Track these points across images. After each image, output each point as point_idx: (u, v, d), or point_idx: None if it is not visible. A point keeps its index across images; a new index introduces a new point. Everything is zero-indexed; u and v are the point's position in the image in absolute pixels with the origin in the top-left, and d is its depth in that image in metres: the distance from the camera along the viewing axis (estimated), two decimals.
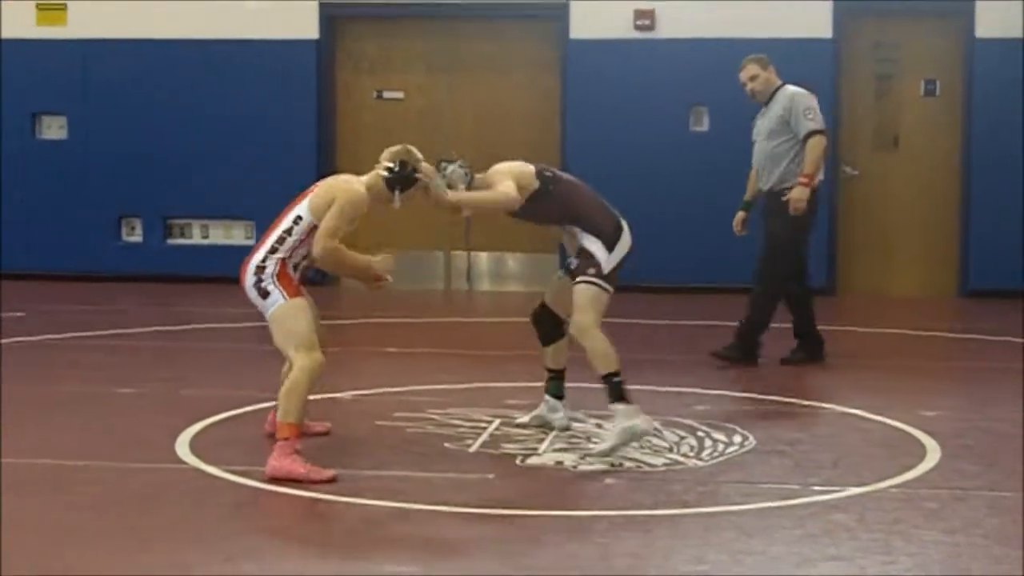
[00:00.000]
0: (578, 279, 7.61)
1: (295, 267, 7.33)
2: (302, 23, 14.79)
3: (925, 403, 8.65)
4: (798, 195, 10.09)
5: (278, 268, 7.24)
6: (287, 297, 7.19)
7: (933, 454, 7.53)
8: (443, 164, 7.60)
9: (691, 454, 7.54)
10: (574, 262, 7.73)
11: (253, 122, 14.81)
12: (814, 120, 10.29)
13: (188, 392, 9.12)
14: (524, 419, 8.16)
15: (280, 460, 6.90)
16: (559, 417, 8.06)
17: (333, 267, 7.44)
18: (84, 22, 14.94)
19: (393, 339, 11.52)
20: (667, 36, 14.39)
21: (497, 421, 8.18)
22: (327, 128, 14.99)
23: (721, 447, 7.69)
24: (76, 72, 14.94)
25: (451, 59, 14.98)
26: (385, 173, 7.36)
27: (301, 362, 7.07)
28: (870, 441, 7.88)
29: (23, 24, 14.97)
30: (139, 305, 13.38)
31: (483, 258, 15.11)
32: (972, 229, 14.26)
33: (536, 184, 7.65)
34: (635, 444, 7.51)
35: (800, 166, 10.18)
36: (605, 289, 7.58)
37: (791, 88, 10.49)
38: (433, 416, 8.33)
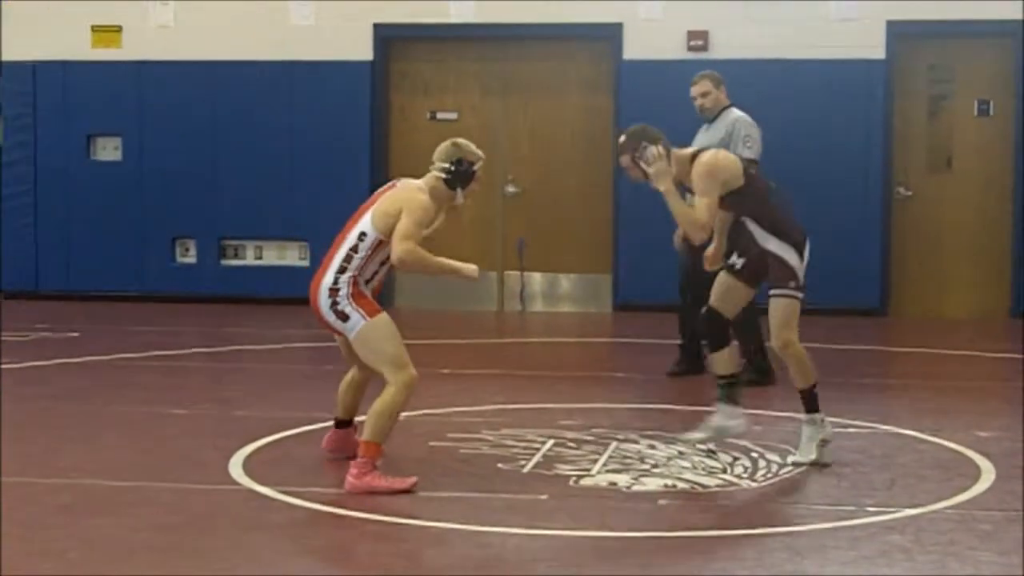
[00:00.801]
0: (776, 292, 7.56)
1: (367, 283, 7.34)
2: (357, 44, 14.85)
3: (979, 424, 8.61)
4: None
5: (351, 288, 7.25)
6: (367, 316, 7.21)
7: (988, 475, 7.49)
8: (642, 144, 7.50)
9: (745, 475, 7.52)
10: (739, 262, 7.68)
11: (307, 143, 14.88)
12: (752, 148, 10.50)
13: (241, 413, 9.16)
14: (698, 436, 7.90)
15: (360, 477, 7.01)
16: (737, 423, 7.82)
17: (416, 268, 7.39)
18: (139, 44, 15.06)
19: (447, 360, 11.53)
20: (721, 57, 14.36)
21: (551, 442, 8.18)
22: (381, 149, 15.04)
23: (775, 468, 7.68)
24: (131, 93, 15.06)
25: (505, 80, 15.01)
26: (442, 174, 7.41)
27: (395, 380, 7.14)
28: (925, 462, 7.85)
29: (79, 46, 15.09)
30: (192, 326, 13.47)
31: (536, 279, 15.12)
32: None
33: (741, 181, 7.56)
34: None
35: None
36: (800, 299, 7.59)
37: (736, 112, 10.74)
38: (487, 437, 8.34)
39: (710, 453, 7.92)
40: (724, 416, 7.62)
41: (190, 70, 14.95)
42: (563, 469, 7.60)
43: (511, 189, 14.94)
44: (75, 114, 15.13)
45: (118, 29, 15.14)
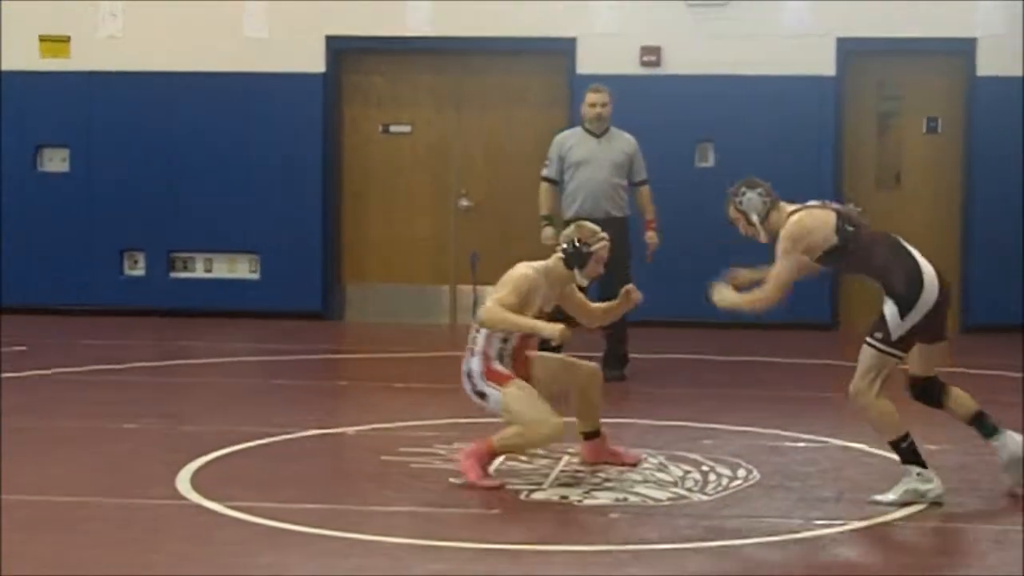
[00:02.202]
0: (866, 339, 7.34)
1: (500, 356, 7.68)
2: (309, 56, 14.81)
3: (928, 437, 8.62)
4: (657, 240, 11.37)
5: (483, 367, 7.63)
6: (499, 388, 7.56)
7: (936, 488, 7.51)
8: (742, 190, 7.52)
9: (696, 488, 7.54)
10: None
11: (258, 156, 14.82)
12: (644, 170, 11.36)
13: (189, 427, 9.12)
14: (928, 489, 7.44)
15: (468, 458, 7.52)
16: (1012, 453, 7.53)
17: (495, 324, 7.61)
18: (87, 55, 14.95)
19: (399, 374, 11.51)
20: (673, 72, 14.43)
21: (502, 456, 8.16)
22: (333, 162, 15.01)
23: (726, 481, 7.69)
24: (79, 104, 14.94)
25: (459, 93, 15.01)
26: (561, 255, 7.75)
27: (537, 431, 7.49)
28: (873, 475, 7.87)
29: (26, 56, 14.98)
30: (141, 339, 13.39)
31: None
32: (973, 265, 14.27)
33: (835, 241, 7.37)
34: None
35: (624, 199, 11.12)
36: (890, 354, 7.26)
37: (625, 133, 11.35)
38: (439, 451, 8.32)
39: (661, 466, 7.94)
40: (914, 479, 7.21)
41: (140, 81, 14.86)
42: (515, 483, 7.60)
43: (464, 203, 14.94)
44: (23, 125, 15.00)
45: (67, 39, 15.02)
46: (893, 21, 14.22)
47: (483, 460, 7.56)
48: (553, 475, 7.78)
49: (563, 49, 14.62)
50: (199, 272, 15.10)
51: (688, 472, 7.89)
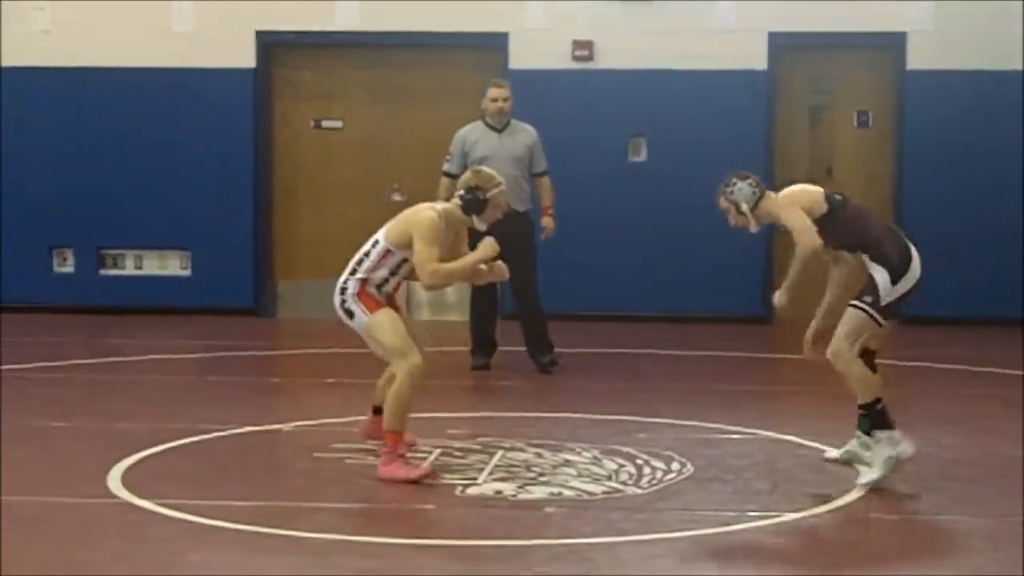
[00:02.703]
0: (852, 302, 7.47)
1: (379, 288, 7.80)
2: (239, 51, 14.72)
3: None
4: (554, 225, 11.35)
5: (357, 288, 7.77)
6: (368, 313, 7.71)
7: (906, 447, 7.53)
8: (733, 180, 7.66)
9: (630, 482, 7.55)
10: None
11: (189, 152, 14.72)
12: (545, 160, 11.44)
13: (121, 425, 9.03)
14: (834, 455, 7.76)
15: (385, 465, 7.48)
16: (870, 456, 7.59)
17: (444, 283, 7.95)
18: (14, 50, 14.77)
19: (332, 370, 11.46)
20: (605, 67, 14.44)
21: (437, 451, 8.16)
22: (264, 158, 14.93)
23: (660, 474, 7.71)
24: (8, 100, 14.76)
25: (390, 88, 14.95)
26: (459, 202, 7.81)
27: (400, 368, 7.64)
28: (806, 467, 7.91)
29: None
30: (71, 337, 13.26)
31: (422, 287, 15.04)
32: None
33: (824, 208, 7.53)
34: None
35: (527, 192, 11.25)
36: (874, 319, 7.41)
37: (527, 125, 11.47)
38: (373, 447, 8.28)
39: (595, 460, 7.95)
40: (888, 444, 7.30)
41: (69, 76, 14.72)
42: (449, 478, 7.58)
43: (397, 197, 14.88)
44: None
45: None
46: (824, 16, 14.28)
47: (394, 455, 7.51)
48: (488, 470, 7.77)
49: (495, 44, 14.60)
50: (129, 269, 14.98)
51: (622, 466, 7.90)
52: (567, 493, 7.31)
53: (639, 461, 8.01)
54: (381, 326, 7.66)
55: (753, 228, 7.69)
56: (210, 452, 8.30)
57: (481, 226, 7.85)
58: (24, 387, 10.42)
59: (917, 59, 14.26)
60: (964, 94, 14.17)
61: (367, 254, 7.84)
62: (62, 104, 14.72)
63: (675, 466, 7.89)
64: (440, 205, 7.88)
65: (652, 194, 14.04)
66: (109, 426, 9.02)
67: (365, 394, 10.16)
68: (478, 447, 8.24)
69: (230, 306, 14.67)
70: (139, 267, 14.94)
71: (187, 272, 14.80)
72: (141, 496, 7.11)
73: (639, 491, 7.37)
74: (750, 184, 7.64)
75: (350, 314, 7.75)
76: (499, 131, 11.28)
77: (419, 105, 14.92)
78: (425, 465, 7.66)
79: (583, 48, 14.48)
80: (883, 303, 7.42)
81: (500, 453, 8.13)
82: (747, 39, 14.36)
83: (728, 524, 6.71)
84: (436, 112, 14.90)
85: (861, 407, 7.43)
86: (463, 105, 14.85)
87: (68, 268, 14.96)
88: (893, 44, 14.34)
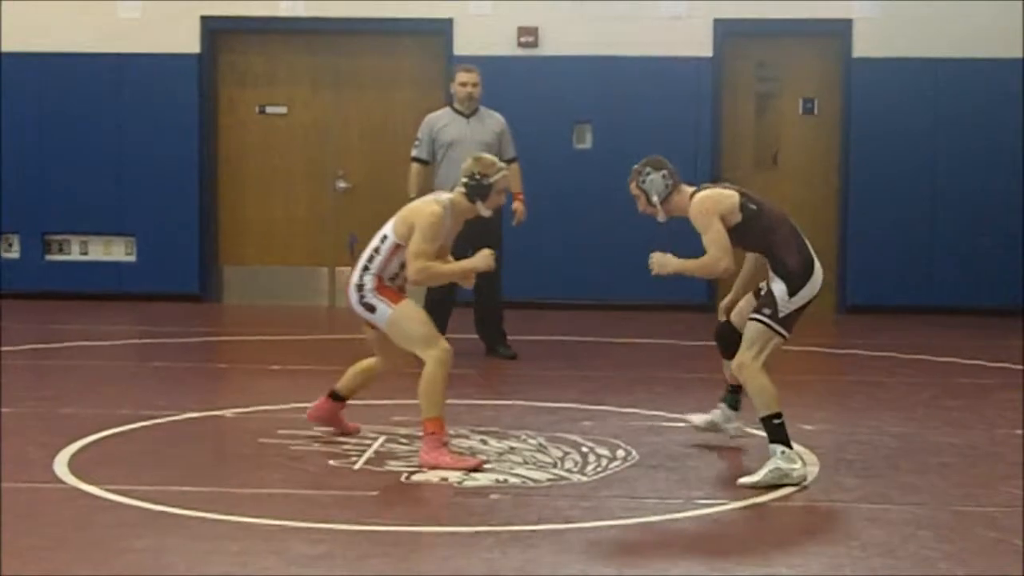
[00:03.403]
0: (752, 315, 7.49)
1: (392, 280, 7.86)
2: (183, 37, 14.67)
3: (804, 417, 8.76)
4: (524, 209, 11.39)
5: (375, 283, 7.80)
6: (392, 305, 7.75)
7: (812, 468, 7.61)
8: (647, 169, 7.71)
9: (575, 469, 7.57)
10: (764, 287, 7.60)
11: (134, 137, 14.67)
12: (513, 147, 11.44)
13: (67, 410, 9.00)
14: (698, 421, 8.19)
15: (429, 453, 7.53)
16: (733, 427, 8.12)
17: (430, 282, 8.16)
18: None
19: (277, 356, 11.46)
20: (550, 53, 14.46)
21: (382, 438, 8.16)
22: (209, 143, 14.88)
23: (605, 462, 7.74)
24: None
25: (335, 74, 14.93)
26: (463, 189, 7.88)
27: (428, 356, 7.64)
28: (751, 455, 7.96)
29: None
30: (17, 322, 13.18)
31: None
32: (850, 246, 14.46)
33: (739, 218, 7.51)
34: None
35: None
36: (776, 332, 7.42)
37: (495, 112, 11.45)
38: (318, 434, 8.29)
39: (540, 448, 7.98)
40: (782, 459, 7.23)
41: (15, 62, 14.63)
42: (394, 465, 7.59)
43: (342, 184, 14.88)
44: None
45: None
46: (770, 3, 14.36)
47: (438, 443, 7.58)
48: None
49: (440, 30, 14.60)
50: (75, 255, 14.91)
51: (567, 453, 7.93)
52: (512, 480, 7.33)
53: (584, 449, 8.04)
54: (408, 317, 7.73)
55: (661, 218, 7.74)
56: (156, 438, 8.28)
57: (485, 212, 7.94)
58: None
59: (863, 46, 14.35)
60: (909, 82, 14.27)
61: (377, 250, 7.85)
62: (7, 90, 14.63)
63: (620, 453, 7.93)
64: (445, 196, 7.94)
65: (597, 181, 14.07)
66: (55, 411, 8.99)
67: (309, 380, 10.19)
68: (423, 434, 8.24)
69: (175, 291, 14.64)
70: (84, 253, 14.87)
71: (132, 258, 14.74)
72: (88, 482, 7.09)
73: (584, 478, 7.40)
74: (663, 176, 7.65)
75: (371, 309, 7.77)
76: (467, 116, 11.27)
77: (364, 91, 14.91)
78: (473, 458, 7.68)
79: (528, 34, 14.50)
80: (782, 315, 7.42)
81: (444, 440, 8.14)
82: (693, 26, 14.41)
83: (674, 512, 6.75)
84: (381, 98, 14.90)
85: (760, 420, 7.41)
86: (408, 91, 14.88)
87: (13, 254, 14.87)
88: (839, 31, 14.42)
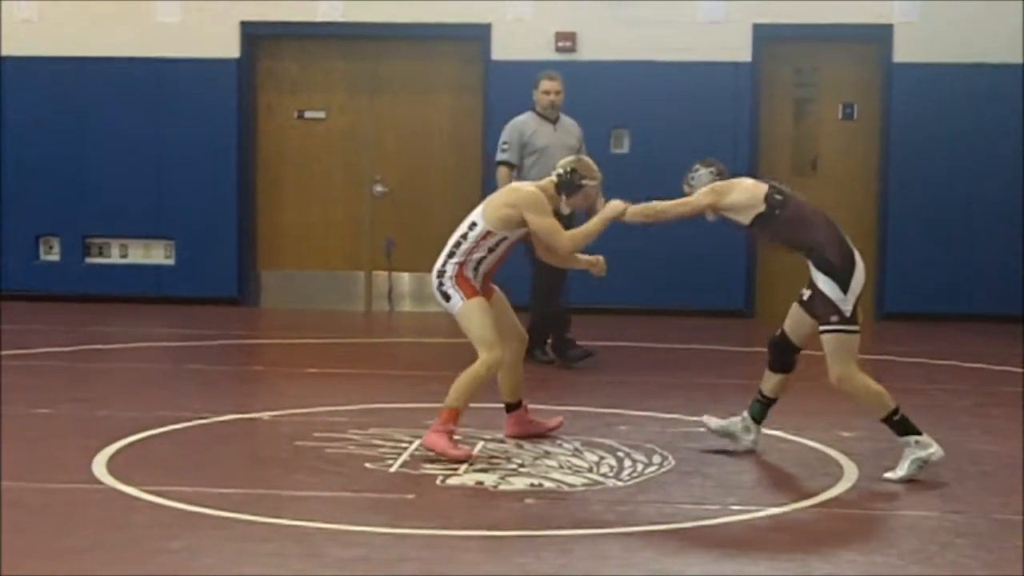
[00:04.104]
0: (822, 328, 7.45)
1: (475, 269, 7.94)
2: (223, 42, 14.72)
3: (843, 424, 8.72)
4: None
5: (456, 271, 7.91)
6: (464, 298, 7.85)
7: (851, 474, 7.59)
8: (696, 166, 7.84)
9: (611, 474, 7.56)
10: (807, 294, 7.60)
11: (173, 141, 14.72)
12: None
13: (104, 412, 9.03)
14: (713, 424, 8.16)
15: (432, 434, 7.73)
16: (749, 440, 8.04)
17: (584, 244, 8.03)
18: (2, 39, 14.76)
19: (314, 360, 11.47)
20: (588, 58, 14.45)
21: (417, 441, 8.15)
22: (248, 147, 14.92)
23: (640, 467, 7.72)
24: None
25: (373, 79, 14.96)
26: (555, 179, 8.01)
27: (482, 358, 7.77)
28: (788, 461, 7.93)
29: None
30: (56, 325, 13.25)
31: (404, 279, 15.08)
32: (888, 252, 14.39)
33: (762, 207, 7.56)
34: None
35: None
36: (850, 331, 7.43)
37: (566, 116, 11.44)
38: (354, 436, 8.30)
39: (576, 452, 7.97)
40: (916, 447, 7.33)
41: (54, 66, 14.72)
42: (430, 469, 7.59)
43: (379, 189, 14.90)
44: None
45: None
46: (809, 7, 14.31)
47: (445, 429, 7.71)
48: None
49: (477, 35, 14.60)
50: (114, 258, 14.98)
51: (603, 458, 7.91)
52: (547, 485, 7.32)
53: (620, 454, 8.02)
54: (473, 314, 7.81)
55: (710, 217, 7.74)
56: (193, 440, 8.30)
57: (565, 209, 8.10)
58: (9, 374, 10.40)
59: (903, 52, 14.29)
60: (950, 87, 14.21)
61: (464, 236, 7.94)
62: (48, 94, 14.72)
63: (656, 459, 7.91)
64: (535, 184, 8.06)
65: (634, 186, 13.90)
66: (92, 413, 9.02)
67: (345, 384, 10.23)
68: (459, 438, 8.23)
69: (213, 295, 14.68)
70: (124, 256, 14.93)
71: (171, 261, 14.80)
72: (125, 483, 7.11)
73: (620, 484, 7.38)
74: (711, 172, 7.74)
75: (447, 297, 7.89)
76: (553, 122, 11.27)
77: (402, 96, 14.93)
78: (467, 449, 7.87)
79: (566, 39, 14.49)
80: (848, 314, 7.42)
81: (481, 444, 8.14)
82: (731, 31, 14.38)
83: (709, 518, 6.72)
84: (418, 103, 14.92)
85: (882, 421, 7.45)
86: (445, 96, 14.90)
87: (54, 256, 14.95)
88: (879, 36, 14.36)
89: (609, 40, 14.43)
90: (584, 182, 8.02)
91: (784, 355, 7.88)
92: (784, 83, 14.71)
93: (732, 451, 8.10)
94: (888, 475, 7.37)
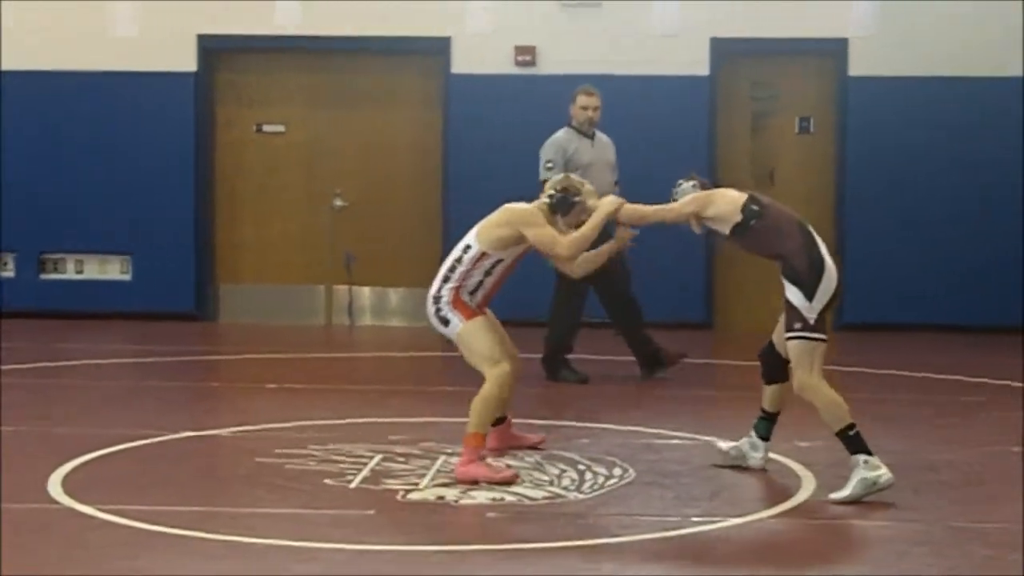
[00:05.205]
0: (787, 335, 7.51)
1: (471, 293, 7.88)
2: (180, 56, 14.68)
3: (801, 434, 8.74)
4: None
5: (452, 296, 7.83)
6: (463, 320, 7.79)
7: (809, 484, 7.61)
8: (680, 181, 7.86)
9: (572, 487, 7.56)
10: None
11: (130, 156, 14.66)
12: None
13: (61, 430, 8.98)
14: (724, 447, 8.09)
15: (466, 465, 7.56)
16: (758, 458, 7.98)
17: (584, 248, 7.92)
18: None
19: (274, 375, 11.43)
20: (548, 72, 14.46)
21: (379, 456, 8.14)
22: (206, 161, 14.88)
23: (602, 480, 7.72)
24: None
25: (332, 92, 14.94)
26: (547, 200, 7.94)
27: (489, 375, 7.71)
28: (747, 472, 7.94)
29: None
30: (12, 342, 13.15)
31: (365, 293, 15.06)
32: (846, 264, 14.43)
33: (738, 217, 7.59)
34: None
35: None
36: (816, 339, 7.44)
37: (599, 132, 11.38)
38: (314, 452, 8.27)
39: (537, 466, 7.96)
40: (865, 468, 7.28)
41: (10, 80, 14.63)
42: (391, 484, 7.57)
43: (339, 203, 14.87)
44: None
45: None
46: (766, 21, 14.37)
47: (475, 456, 7.62)
48: (429, 475, 7.76)
49: (438, 49, 14.61)
50: (70, 273, 14.90)
51: (564, 471, 7.91)
52: (509, 498, 7.31)
53: (581, 467, 8.02)
54: (475, 333, 7.76)
55: (695, 228, 7.77)
56: (151, 457, 8.25)
57: (564, 229, 7.98)
58: None
59: (859, 65, 14.36)
60: (905, 100, 14.28)
61: (459, 260, 7.86)
62: (4, 108, 14.63)
63: (617, 471, 7.91)
64: (533, 205, 7.97)
65: None
66: (49, 431, 8.97)
67: (306, 399, 10.19)
68: (420, 452, 8.24)
69: (171, 310, 14.63)
70: (80, 271, 14.86)
71: (128, 276, 14.74)
72: (82, 501, 7.06)
73: (581, 496, 7.38)
74: (694, 186, 7.77)
75: (445, 322, 7.82)
76: (591, 138, 11.22)
77: (361, 109, 14.92)
78: (506, 469, 7.74)
79: (525, 53, 14.51)
80: (812, 322, 7.44)
81: (442, 459, 8.13)
82: (690, 45, 14.42)
83: (670, 529, 6.73)
84: (378, 116, 14.92)
85: (836, 435, 7.44)
86: (406, 109, 14.90)
87: (9, 273, 14.87)
88: (835, 50, 14.44)
89: (568, 54, 14.45)
90: (577, 199, 7.96)
91: (773, 366, 7.89)
92: (741, 97, 14.77)
93: (693, 464, 8.11)
94: (833, 496, 7.29)
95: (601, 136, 11.35)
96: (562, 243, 7.80)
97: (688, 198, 7.72)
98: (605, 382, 11.22)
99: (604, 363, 12.11)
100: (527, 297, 13.58)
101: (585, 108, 11.21)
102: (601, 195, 8.16)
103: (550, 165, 11.07)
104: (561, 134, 11.27)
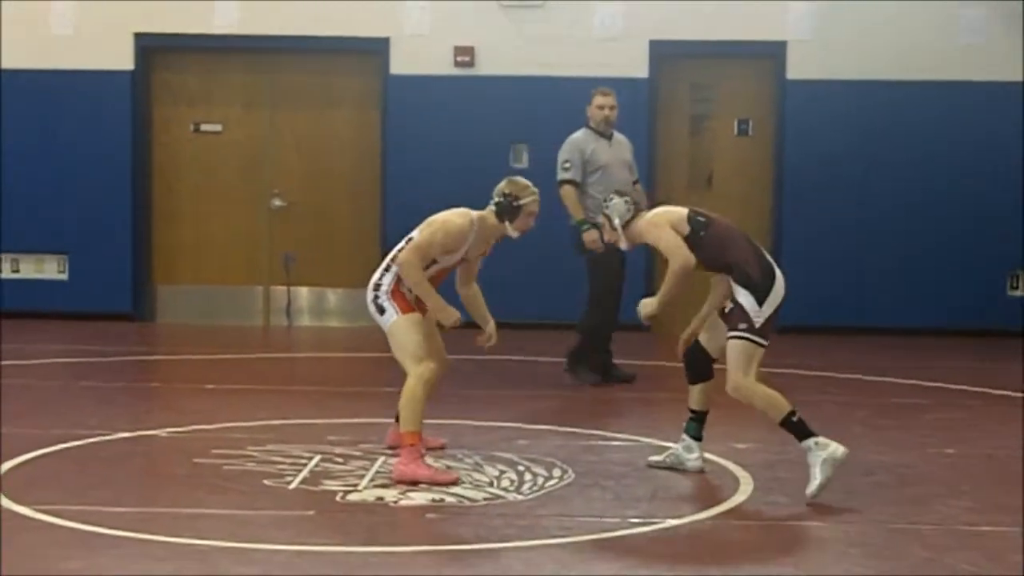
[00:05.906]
0: (730, 335, 7.56)
1: (410, 289, 7.85)
2: (117, 54, 14.58)
3: (738, 436, 8.80)
4: None
5: (391, 286, 7.85)
6: (399, 312, 7.80)
7: (746, 486, 7.66)
8: (611, 196, 7.88)
9: (511, 488, 7.57)
10: (729, 307, 7.68)
11: (66, 154, 14.55)
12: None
13: None
14: (658, 458, 8.12)
15: (407, 465, 7.55)
16: (694, 459, 8.01)
17: (409, 279, 7.81)
18: None
19: (211, 375, 11.39)
20: (487, 73, 14.47)
21: (318, 457, 8.13)
22: (143, 160, 14.79)
23: (541, 481, 7.74)
24: None
25: (271, 92, 14.89)
26: (493, 208, 7.95)
27: (413, 371, 7.68)
28: (686, 474, 7.98)
29: None
30: None
31: (303, 293, 15.01)
32: (783, 266, 14.38)
33: (686, 229, 7.64)
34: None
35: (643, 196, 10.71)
36: (758, 343, 7.52)
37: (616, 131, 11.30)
38: (252, 453, 8.25)
39: (477, 466, 7.98)
40: (818, 449, 7.38)
41: None
42: (330, 485, 7.56)
43: (277, 203, 14.83)
44: None
45: None
46: (705, 24, 14.42)
47: (415, 455, 7.60)
48: (369, 476, 7.76)
49: (376, 49, 14.58)
50: (5, 273, 14.77)
51: (503, 472, 7.93)
52: (448, 499, 7.32)
53: (520, 467, 8.04)
54: (405, 329, 7.76)
55: (623, 245, 7.90)
56: (89, 457, 8.21)
57: (513, 234, 8.01)
58: None
59: (797, 68, 14.43)
60: (843, 103, 14.37)
61: (401, 251, 7.87)
62: None
63: (556, 472, 7.93)
64: (476, 214, 7.96)
65: None
66: None
67: (244, 400, 10.15)
68: (359, 453, 8.23)
69: (108, 310, 14.53)
70: (16, 271, 14.74)
71: (64, 276, 14.64)
72: (19, 502, 7.02)
73: (520, 497, 7.40)
74: (626, 202, 7.84)
75: (381, 310, 7.83)
76: (608, 138, 11.20)
77: (300, 109, 14.88)
78: (449, 472, 7.74)
79: (465, 54, 14.50)
80: (758, 325, 7.54)
81: (381, 459, 8.13)
82: (629, 47, 14.46)
83: (609, 530, 6.76)
84: (317, 116, 14.88)
85: (780, 425, 7.52)
86: (344, 109, 14.87)
87: None
88: (773, 53, 14.51)
89: (508, 55, 14.46)
90: (521, 202, 7.94)
91: (698, 364, 7.96)
92: (681, 99, 14.82)
93: (632, 466, 8.14)
94: (809, 490, 7.34)
95: (618, 136, 11.34)
96: (408, 256, 7.74)
97: (664, 235, 7.67)
98: (541, 384, 11.23)
99: (536, 364, 12.15)
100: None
101: (601, 108, 11.19)
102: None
103: (568, 166, 11.07)
104: (579, 135, 11.24)
